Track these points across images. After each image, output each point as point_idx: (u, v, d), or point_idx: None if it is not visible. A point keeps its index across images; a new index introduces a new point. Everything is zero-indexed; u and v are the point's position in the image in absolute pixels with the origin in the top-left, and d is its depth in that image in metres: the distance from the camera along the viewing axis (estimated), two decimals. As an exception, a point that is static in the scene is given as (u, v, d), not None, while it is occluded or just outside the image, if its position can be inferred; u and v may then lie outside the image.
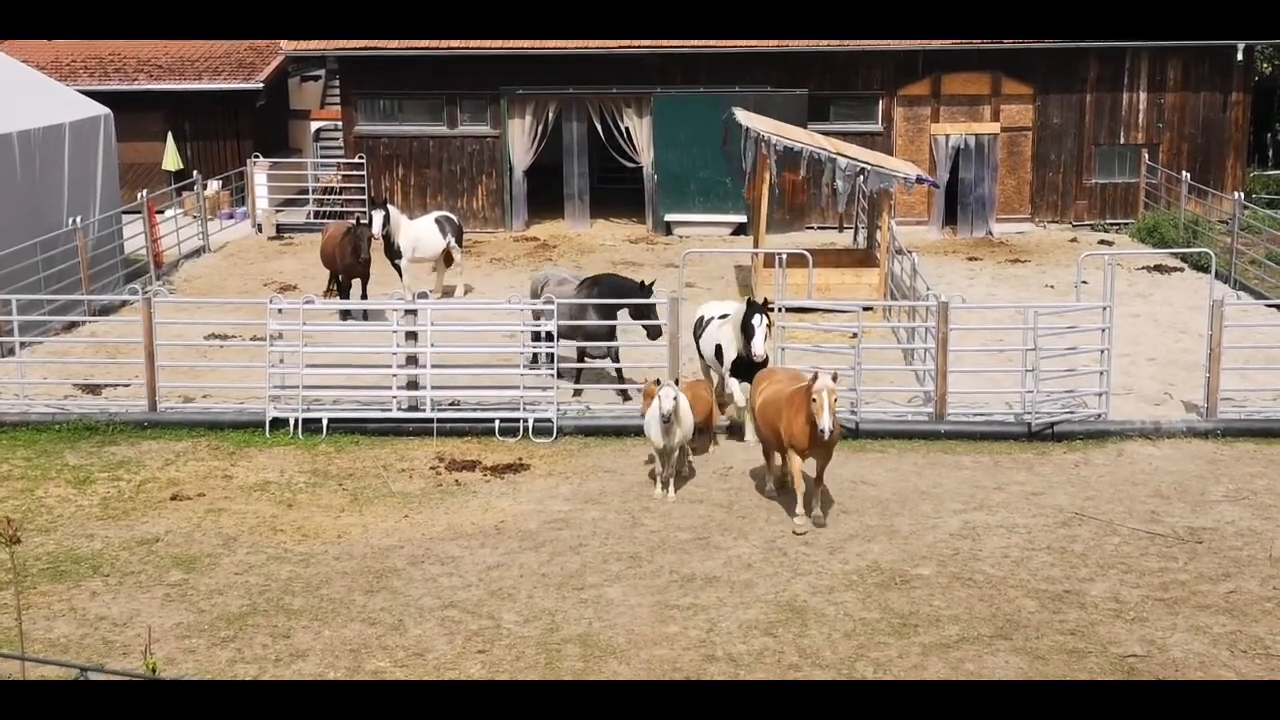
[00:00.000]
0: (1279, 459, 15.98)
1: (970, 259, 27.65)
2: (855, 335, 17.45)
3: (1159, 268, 25.88)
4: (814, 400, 13.20)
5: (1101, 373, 17.17)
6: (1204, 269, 23.02)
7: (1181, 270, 25.77)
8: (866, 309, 19.28)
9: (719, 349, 16.80)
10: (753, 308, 16.03)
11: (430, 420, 17.17)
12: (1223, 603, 12.16)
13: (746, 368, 16.25)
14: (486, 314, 19.87)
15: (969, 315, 18.32)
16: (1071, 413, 17.10)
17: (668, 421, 14.35)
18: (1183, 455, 16.19)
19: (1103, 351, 17.15)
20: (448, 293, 24.12)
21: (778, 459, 14.78)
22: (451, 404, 17.56)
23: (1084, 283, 19.45)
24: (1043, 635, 11.52)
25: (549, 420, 17.02)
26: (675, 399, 14.40)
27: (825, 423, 13.13)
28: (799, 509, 13.93)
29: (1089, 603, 12.16)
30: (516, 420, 17.09)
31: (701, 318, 17.38)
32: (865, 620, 11.88)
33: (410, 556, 13.36)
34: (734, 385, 16.77)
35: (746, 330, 16.00)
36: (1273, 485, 15.09)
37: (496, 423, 17.09)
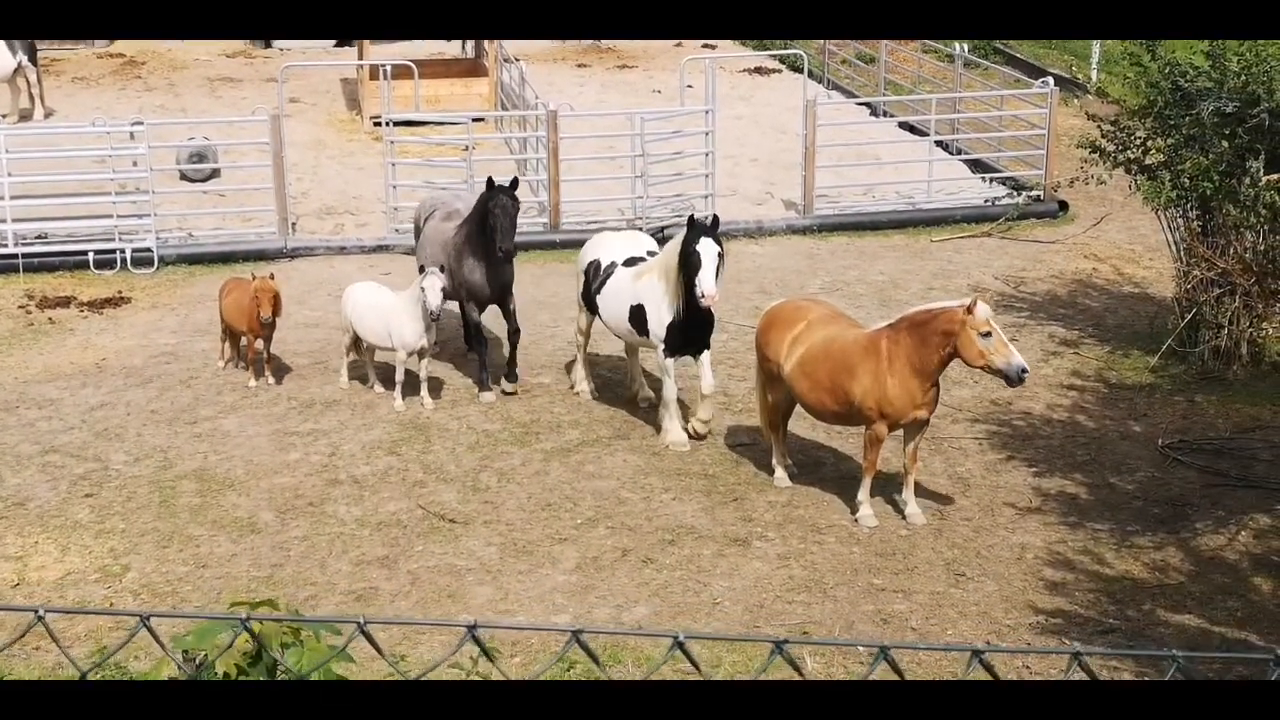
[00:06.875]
0: (869, 250, 17.03)
1: (579, 66, 27.69)
2: (467, 148, 17.24)
3: (759, 70, 26.71)
4: (986, 334, 9.54)
5: (707, 175, 17.69)
6: (799, 70, 23.90)
7: (780, 72, 26.69)
8: (477, 120, 19.05)
9: (638, 311, 11.49)
10: (696, 229, 10.97)
11: (14, 256, 15.94)
12: (821, 388, 12.94)
13: (685, 334, 11.37)
14: (72, 139, 18.39)
15: (579, 123, 18.39)
16: (680, 216, 17.56)
17: (436, 319, 11.95)
18: (783, 252, 16.99)
19: (707, 154, 17.64)
20: (25, 117, 22.20)
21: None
22: (38, 237, 16.34)
23: (689, 87, 19.85)
24: (658, 434, 11.95)
25: (149, 250, 16.11)
26: (443, 290, 11.89)
27: (1017, 360, 9.57)
28: (905, 496, 10.42)
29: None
30: (113, 252, 16.10)
31: (597, 262, 11.98)
32: (488, 432, 12.01)
33: (2, 402, 12.50)
34: (668, 369, 11.49)
35: (689, 261, 10.92)
36: (863, 275, 16.09)
37: (90, 255, 16.05)
